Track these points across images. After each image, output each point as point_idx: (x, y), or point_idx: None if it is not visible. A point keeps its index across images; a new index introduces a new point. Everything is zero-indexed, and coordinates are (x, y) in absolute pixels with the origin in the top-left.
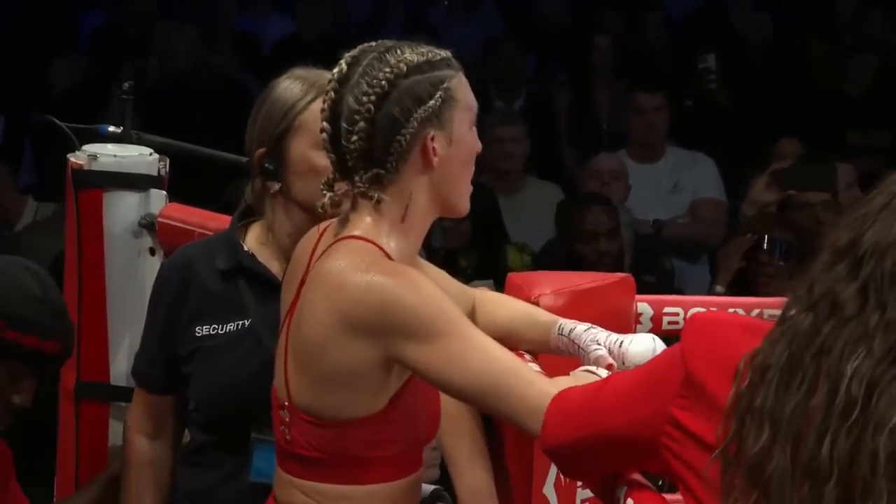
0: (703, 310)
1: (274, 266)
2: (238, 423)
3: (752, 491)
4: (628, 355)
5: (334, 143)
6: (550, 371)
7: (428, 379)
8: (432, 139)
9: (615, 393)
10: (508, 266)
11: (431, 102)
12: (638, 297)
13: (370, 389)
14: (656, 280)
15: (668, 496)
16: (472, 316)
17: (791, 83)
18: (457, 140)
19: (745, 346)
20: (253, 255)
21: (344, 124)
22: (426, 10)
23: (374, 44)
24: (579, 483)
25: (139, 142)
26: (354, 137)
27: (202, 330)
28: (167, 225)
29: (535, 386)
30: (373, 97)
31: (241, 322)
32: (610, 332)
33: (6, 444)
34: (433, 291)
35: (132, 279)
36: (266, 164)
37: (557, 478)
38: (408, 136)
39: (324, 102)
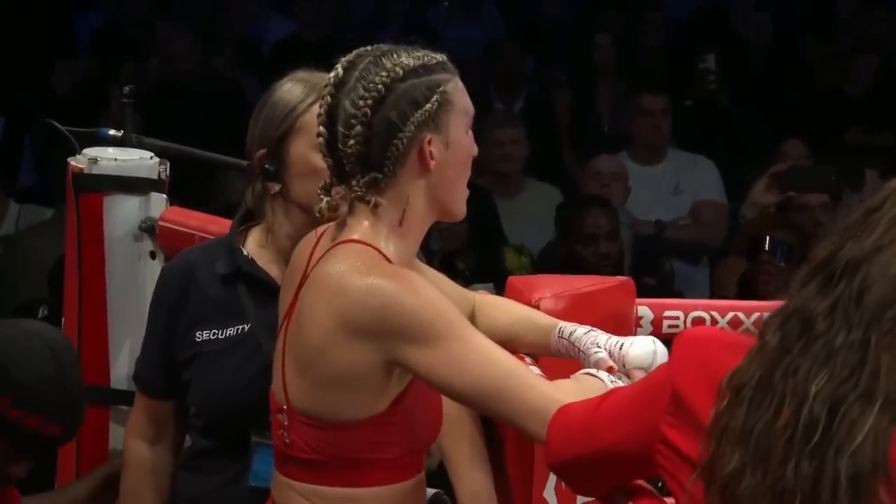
0: (703, 313)
1: (273, 270)
2: (238, 427)
3: None
4: (629, 358)
5: (331, 148)
6: (551, 374)
7: (428, 382)
8: (429, 143)
9: (612, 408)
10: (507, 268)
11: (428, 106)
12: (638, 300)
13: (370, 392)
14: (656, 282)
15: (668, 500)
16: (472, 319)
17: (791, 84)
18: (453, 144)
19: (729, 363)
20: (252, 260)
21: (341, 128)
22: (426, 10)
23: (370, 48)
24: None
25: (139, 145)
26: (351, 141)
27: (202, 335)
28: (167, 228)
29: (535, 389)
30: (369, 101)
31: (240, 327)
32: (610, 335)
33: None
34: (433, 294)
35: (132, 283)
36: (266, 166)
37: (557, 482)
38: (404, 140)
39: (320, 107)
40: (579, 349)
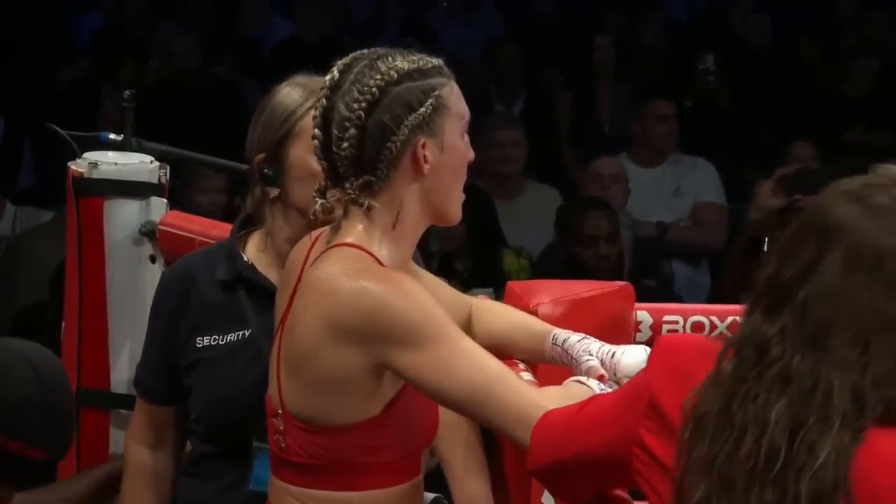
0: (702, 318)
1: (273, 275)
2: (239, 433)
3: None
4: (620, 366)
5: (325, 150)
6: (548, 381)
7: (417, 386)
8: (423, 146)
9: (593, 414)
10: (505, 270)
11: (422, 110)
12: (638, 304)
13: (362, 395)
14: (656, 284)
15: None
16: (468, 324)
17: (791, 85)
18: (448, 148)
19: (704, 369)
20: (252, 266)
21: (335, 131)
22: (426, 11)
23: (366, 51)
24: None
25: (140, 149)
26: (345, 144)
27: (202, 341)
28: (168, 233)
29: (523, 395)
30: (363, 104)
31: (241, 332)
32: (603, 343)
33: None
34: (424, 298)
35: (133, 287)
36: (265, 170)
37: None
38: (398, 144)
39: (315, 109)
40: (572, 356)
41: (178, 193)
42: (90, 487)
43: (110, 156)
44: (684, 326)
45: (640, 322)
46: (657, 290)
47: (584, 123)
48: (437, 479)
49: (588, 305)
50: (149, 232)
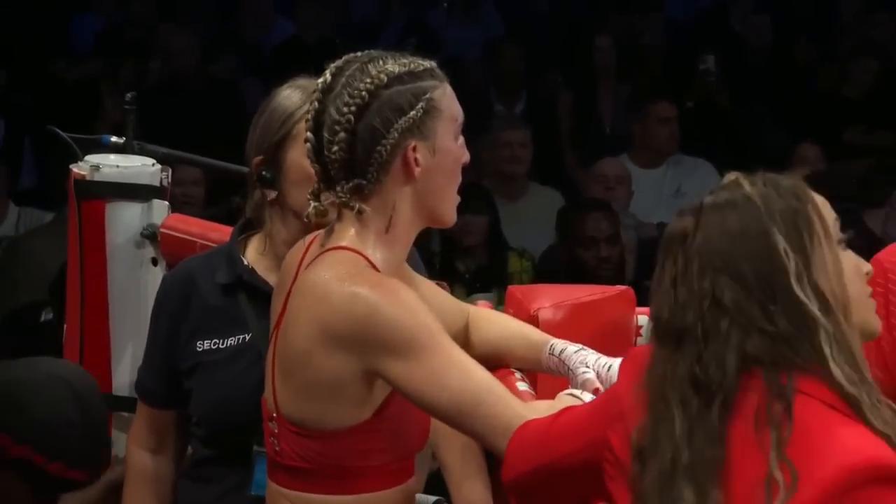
0: None
1: (272, 278)
2: (239, 437)
3: None
4: (615, 380)
5: (317, 153)
6: (548, 390)
7: (405, 394)
8: (414, 150)
9: (567, 422)
10: (509, 271)
11: (412, 113)
12: (638, 309)
13: (353, 400)
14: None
15: None
16: (465, 332)
17: (791, 85)
18: (440, 151)
19: None
20: (252, 270)
21: (326, 134)
22: (426, 12)
23: (359, 54)
24: None
25: (141, 152)
26: (335, 148)
27: (203, 344)
28: (169, 235)
29: (511, 407)
30: (353, 108)
31: (241, 336)
32: (600, 355)
33: None
34: (417, 306)
35: (134, 289)
36: (263, 172)
37: None
38: (388, 147)
39: (308, 112)
40: (568, 367)
41: None
42: (99, 493)
43: (112, 158)
44: None
45: (640, 327)
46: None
47: (585, 124)
48: (437, 483)
49: (589, 310)
50: (150, 235)
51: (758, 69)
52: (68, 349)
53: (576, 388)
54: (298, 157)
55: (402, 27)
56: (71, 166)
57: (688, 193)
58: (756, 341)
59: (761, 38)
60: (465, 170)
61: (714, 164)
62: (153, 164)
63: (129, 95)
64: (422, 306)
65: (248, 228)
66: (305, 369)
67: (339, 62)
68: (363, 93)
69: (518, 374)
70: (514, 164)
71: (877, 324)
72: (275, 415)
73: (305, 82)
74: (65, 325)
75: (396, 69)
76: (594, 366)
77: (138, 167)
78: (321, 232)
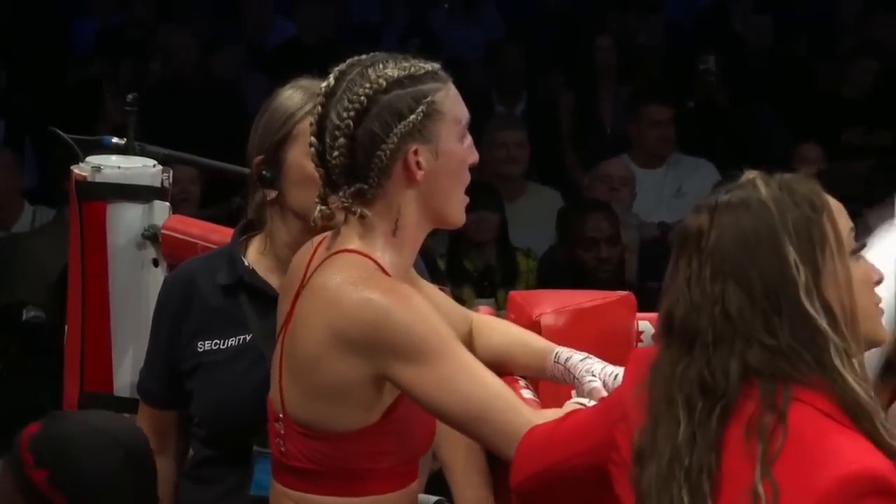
0: None
1: (273, 279)
2: (240, 437)
3: None
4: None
5: (321, 158)
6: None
7: (416, 399)
8: (415, 153)
9: (574, 424)
10: (517, 270)
11: (413, 117)
12: (639, 315)
13: (362, 404)
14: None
15: None
16: (469, 339)
17: (792, 86)
18: (443, 153)
19: None
20: (253, 271)
21: (327, 140)
22: (427, 12)
23: (364, 56)
24: None
25: (142, 153)
26: (336, 153)
27: (204, 345)
28: (171, 237)
29: (521, 415)
30: (352, 113)
31: (242, 337)
32: (606, 364)
33: None
34: (428, 312)
35: (136, 290)
36: (264, 172)
37: None
38: (388, 152)
39: (309, 114)
40: (574, 376)
41: None
42: None
43: (113, 159)
44: None
45: (641, 332)
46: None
47: (586, 125)
48: (438, 484)
49: (590, 315)
50: (152, 236)
51: (758, 69)
52: (69, 350)
53: (582, 396)
54: (299, 156)
55: (403, 28)
56: (72, 167)
57: (688, 193)
58: (756, 353)
59: (761, 38)
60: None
61: (714, 164)
62: (154, 166)
63: (129, 97)
64: (433, 312)
65: (249, 229)
66: (315, 372)
67: (342, 66)
68: (362, 98)
69: (522, 382)
70: (511, 164)
71: (883, 333)
72: (281, 416)
73: (307, 83)
74: (66, 326)
75: (396, 73)
76: (600, 374)
77: (139, 168)
78: (328, 234)
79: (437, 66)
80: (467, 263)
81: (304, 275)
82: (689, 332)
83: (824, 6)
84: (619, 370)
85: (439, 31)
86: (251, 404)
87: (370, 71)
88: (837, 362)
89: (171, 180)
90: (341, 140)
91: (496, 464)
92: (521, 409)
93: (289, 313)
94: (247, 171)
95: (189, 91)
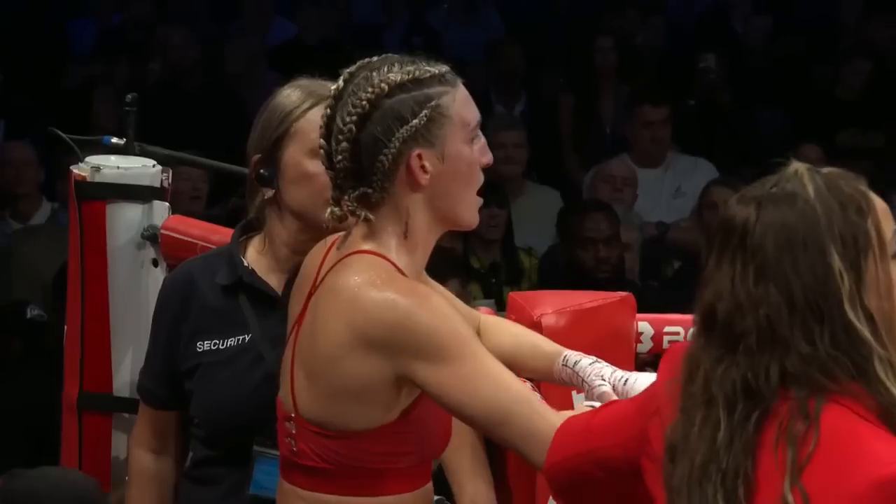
0: None
1: (272, 279)
2: (240, 437)
3: None
4: (632, 393)
5: (329, 160)
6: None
7: (437, 400)
8: (419, 157)
9: (609, 415)
10: (522, 269)
11: (415, 121)
12: (639, 315)
13: (380, 404)
14: (659, 285)
15: None
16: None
17: (791, 86)
18: (450, 157)
19: None
20: (253, 271)
21: (333, 143)
22: (427, 13)
23: (374, 59)
24: None
25: (142, 153)
26: (339, 157)
27: (203, 345)
28: (170, 237)
29: (543, 417)
30: (354, 118)
31: (241, 337)
32: (615, 369)
33: None
34: (448, 312)
35: (135, 290)
36: (261, 171)
37: None
38: (390, 156)
39: (322, 118)
40: (583, 379)
41: None
42: None
43: (112, 159)
44: (685, 337)
45: (641, 333)
46: (661, 290)
47: (585, 125)
48: (438, 483)
49: (590, 316)
50: (151, 236)
51: (758, 69)
52: (69, 350)
53: (591, 400)
54: (296, 154)
55: (404, 28)
56: (71, 167)
57: (687, 193)
58: (794, 360)
59: (761, 38)
60: None
61: (714, 164)
62: (154, 166)
63: (129, 97)
64: (454, 313)
65: (248, 229)
66: (334, 371)
67: (352, 68)
68: (364, 102)
69: (529, 384)
70: (509, 164)
71: None
72: (293, 415)
73: (307, 82)
74: (65, 326)
75: (399, 77)
76: (610, 379)
77: (139, 168)
78: (339, 235)
79: (445, 68)
80: (474, 261)
81: (317, 276)
82: (733, 332)
83: (824, 7)
84: (629, 374)
85: (439, 32)
86: (251, 404)
87: (375, 74)
88: (881, 372)
89: (170, 180)
90: (344, 144)
91: (496, 464)
92: (544, 413)
93: (301, 313)
94: (246, 170)
95: (188, 91)
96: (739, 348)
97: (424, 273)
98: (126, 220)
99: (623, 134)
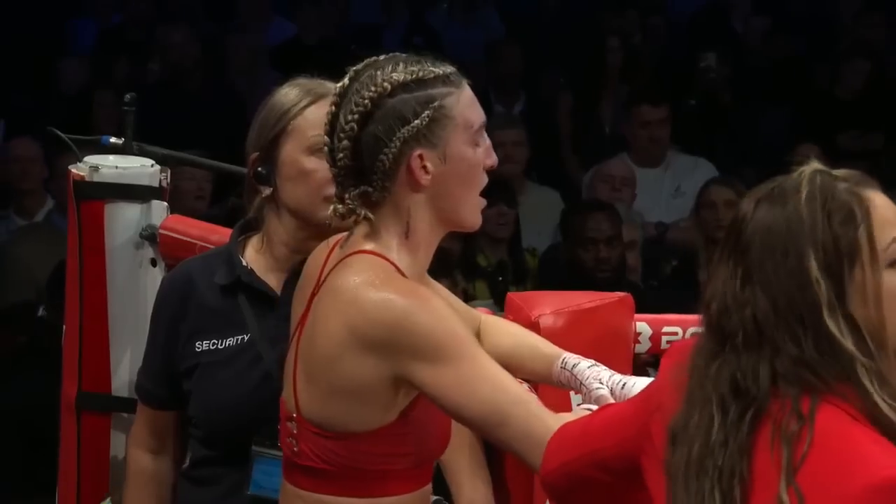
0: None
1: (271, 279)
2: (238, 437)
3: None
4: (630, 397)
5: (332, 158)
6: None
7: (435, 401)
8: (420, 157)
9: (607, 417)
10: (527, 268)
11: (417, 122)
12: (637, 315)
13: (379, 404)
14: (659, 285)
15: None
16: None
17: (790, 86)
18: (452, 158)
19: None
20: (251, 271)
21: (335, 140)
22: (426, 13)
23: (380, 58)
24: None
25: (140, 153)
26: (340, 155)
27: (202, 345)
28: (168, 236)
29: (541, 419)
30: (356, 116)
31: (240, 337)
32: (613, 372)
33: None
34: (447, 313)
35: (133, 290)
36: (259, 169)
37: None
38: (390, 156)
39: (327, 115)
40: (581, 382)
41: None
42: None
43: (111, 159)
44: (683, 337)
45: (639, 333)
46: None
47: (585, 125)
48: (437, 482)
49: (589, 317)
50: (150, 236)
51: (758, 69)
52: (67, 349)
53: (588, 403)
54: (293, 152)
55: (404, 28)
56: (70, 167)
57: (687, 192)
58: (784, 361)
59: (761, 38)
60: None
61: (714, 164)
62: (152, 165)
63: (128, 96)
64: (452, 314)
65: (247, 229)
66: (332, 371)
67: (358, 66)
68: (366, 101)
69: (526, 386)
70: (508, 163)
71: None
72: (295, 415)
73: (305, 81)
74: (64, 326)
75: (402, 77)
76: (608, 382)
77: (137, 168)
78: (342, 235)
79: (451, 69)
80: (481, 259)
81: (320, 276)
82: (722, 331)
83: (823, 7)
84: (627, 378)
85: (439, 32)
86: (249, 404)
87: (379, 73)
88: (866, 381)
89: (168, 180)
90: (345, 142)
91: (494, 464)
92: (541, 415)
93: (304, 313)
94: (244, 170)
95: (188, 91)
96: (727, 348)
97: (426, 274)
98: (124, 219)
99: (622, 134)
